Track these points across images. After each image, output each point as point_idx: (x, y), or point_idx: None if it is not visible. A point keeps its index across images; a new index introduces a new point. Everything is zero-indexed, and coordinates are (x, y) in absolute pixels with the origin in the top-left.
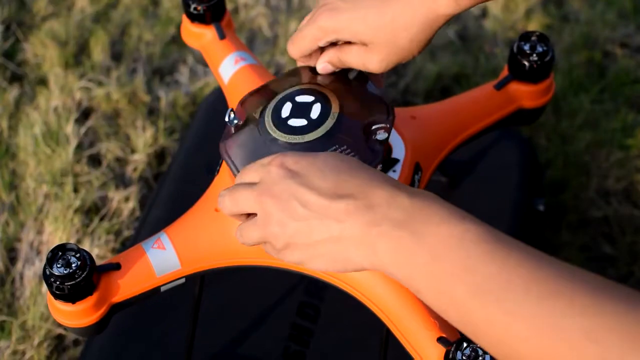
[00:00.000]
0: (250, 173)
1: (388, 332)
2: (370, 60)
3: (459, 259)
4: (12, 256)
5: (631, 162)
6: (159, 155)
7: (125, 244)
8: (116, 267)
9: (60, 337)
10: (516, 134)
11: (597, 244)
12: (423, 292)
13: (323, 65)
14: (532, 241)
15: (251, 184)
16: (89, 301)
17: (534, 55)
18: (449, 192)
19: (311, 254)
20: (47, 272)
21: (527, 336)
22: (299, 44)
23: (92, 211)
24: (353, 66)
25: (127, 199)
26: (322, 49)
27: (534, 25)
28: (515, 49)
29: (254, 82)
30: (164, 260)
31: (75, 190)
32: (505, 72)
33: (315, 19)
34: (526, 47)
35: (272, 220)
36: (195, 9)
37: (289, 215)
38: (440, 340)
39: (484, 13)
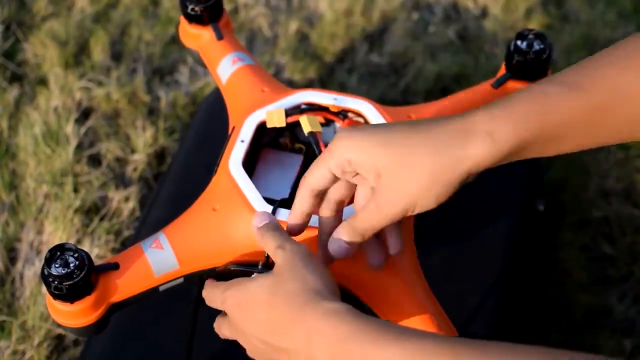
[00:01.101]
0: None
1: None
2: (386, 200)
3: None
4: (12, 256)
5: (631, 162)
6: (159, 155)
7: (125, 244)
8: (114, 267)
9: (60, 337)
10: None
11: (597, 244)
12: None
13: (336, 244)
14: (532, 241)
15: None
16: (88, 301)
17: (531, 53)
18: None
19: None
20: (46, 272)
21: None
22: (310, 177)
23: (92, 211)
24: (370, 225)
25: (127, 199)
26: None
27: (534, 25)
28: (512, 47)
29: (252, 83)
30: (162, 260)
31: (75, 190)
32: (502, 71)
33: (332, 145)
34: (523, 45)
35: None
36: (192, 9)
37: (245, 343)
38: None
39: (484, 13)
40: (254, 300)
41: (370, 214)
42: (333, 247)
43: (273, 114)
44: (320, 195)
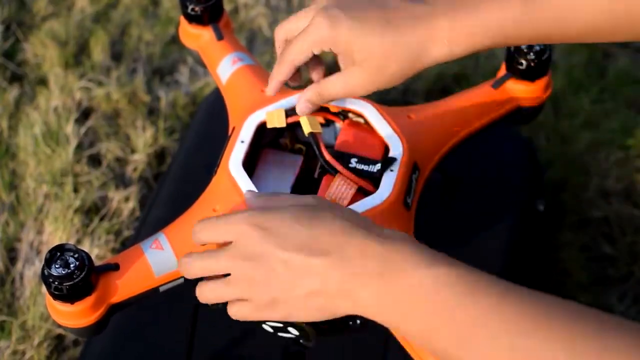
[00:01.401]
0: (219, 232)
1: (388, 333)
2: (355, 83)
3: (434, 304)
4: (12, 256)
5: (631, 162)
6: (159, 155)
7: (125, 244)
8: (114, 267)
9: (60, 337)
10: (516, 134)
11: (597, 244)
12: (409, 335)
13: (303, 105)
14: (532, 241)
15: (223, 246)
16: (88, 302)
17: (531, 53)
18: (449, 193)
19: (296, 308)
20: (46, 273)
21: None
22: (294, 49)
23: (92, 211)
24: (335, 97)
25: (127, 199)
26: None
27: None
28: (512, 48)
29: (252, 83)
30: (162, 260)
31: (75, 190)
32: (502, 71)
33: (314, 24)
34: (523, 46)
35: (249, 281)
36: (192, 9)
37: (268, 276)
38: None
39: None
40: (290, 217)
41: (339, 86)
42: (300, 106)
43: (273, 115)
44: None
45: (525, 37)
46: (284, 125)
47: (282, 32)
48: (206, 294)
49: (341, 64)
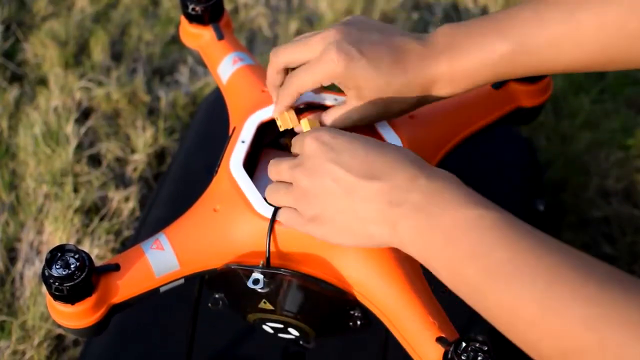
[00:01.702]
0: (295, 145)
1: (387, 333)
2: (359, 117)
3: (471, 243)
4: (12, 256)
5: (631, 162)
6: (159, 155)
7: (125, 244)
8: (115, 268)
9: (60, 337)
10: (516, 134)
11: (597, 244)
12: (439, 272)
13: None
14: None
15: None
16: (88, 302)
17: None
18: None
19: (336, 229)
20: (46, 274)
21: (533, 321)
22: (305, 80)
23: (92, 211)
24: (336, 123)
25: (127, 199)
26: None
27: None
28: None
29: (253, 83)
30: (163, 261)
31: (75, 190)
32: None
33: (329, 60)
34: None
35: (302, 192)
36: (193, 9)
37: (319, 190)
38: (439, 340)
39: (484, 13)
40: (352, 140)
41: (340, 117)
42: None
43: (286, 116)
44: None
45: (518, 73)
46: (297, 125)
47: (283, 58)
48: (269, 194)
49: (345, 91)
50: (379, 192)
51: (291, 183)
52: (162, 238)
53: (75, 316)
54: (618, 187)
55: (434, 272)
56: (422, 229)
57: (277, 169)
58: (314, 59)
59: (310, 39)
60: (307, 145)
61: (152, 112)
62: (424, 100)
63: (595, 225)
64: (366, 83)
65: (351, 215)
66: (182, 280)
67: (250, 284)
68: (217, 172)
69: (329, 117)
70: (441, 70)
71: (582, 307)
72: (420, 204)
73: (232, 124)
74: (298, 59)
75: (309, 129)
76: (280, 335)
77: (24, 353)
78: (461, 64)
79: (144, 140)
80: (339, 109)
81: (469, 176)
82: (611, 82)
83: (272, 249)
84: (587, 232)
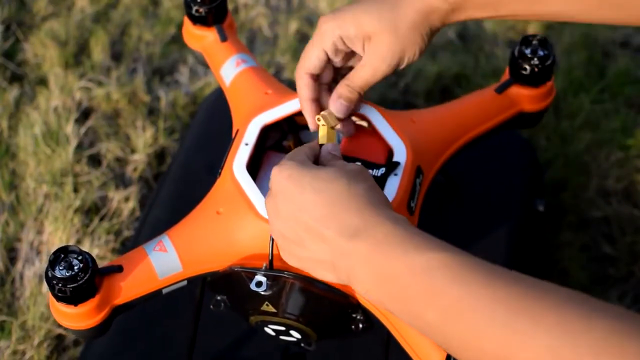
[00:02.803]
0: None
1: (389, 335)
2: (377, 57)
3: (424, 286)
4: (12, 256)
5: (631, 162)
6: (159, 155)
7: (125, 244)
8: (118, 269)
9: (60, 337)
10: (516, 135)
11: (597, 244)
12: (401, 318)
13: (338, 103)
14: (532, 242)
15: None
16: (91, 303)
17: (535, 59)
18: (450, 194)
19: (300, 262)
20: (50, 275)
21: (498, 355)
22: (306, 61)
23: (92, 211)
24: (364, 83)
25: (127, 199)
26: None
27: (533, 26)
28: (516, 53)
29: (256, 85)
30: (166, 262)
31: (75, 190)
32: (506, 76)
33: (316, 32)
34: (527, 51)
35: (273, 225)
36: (197, 11)
37: (282, 225)
38: None
39: None
40: (321, 178)
41: (365, 71)
42: (336, 106)
43: (326, 116)
44: (317, 81)
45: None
46: (337, 124)
47: (302, 69)
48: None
49: (357, 50)
50: (329, 240)
51: None
52: (166, 240)
53: (78, 317)
54: (618, 187)
55: (395, 314)
56: (373, 279)
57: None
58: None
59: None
60: (272, 177)
61: (152, 112)
62: (427, 20)
63: (595, 225)
64: (360, 22)
65: (309, 255)
66: (184, 282)
67: (253, 286)
68: (220, 173)
69: (356, 79)
70: None
71: (546, 338)
72: (366, 254)
73: (235, 126)
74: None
75: (324, 139)
76: (282, 337)
77: (24, 353)
78: None
79: (144, 140)
80: (356, 67)
81: (469, 177)
82: (611, 81)
83: (275, 251)
84: (587, 232)
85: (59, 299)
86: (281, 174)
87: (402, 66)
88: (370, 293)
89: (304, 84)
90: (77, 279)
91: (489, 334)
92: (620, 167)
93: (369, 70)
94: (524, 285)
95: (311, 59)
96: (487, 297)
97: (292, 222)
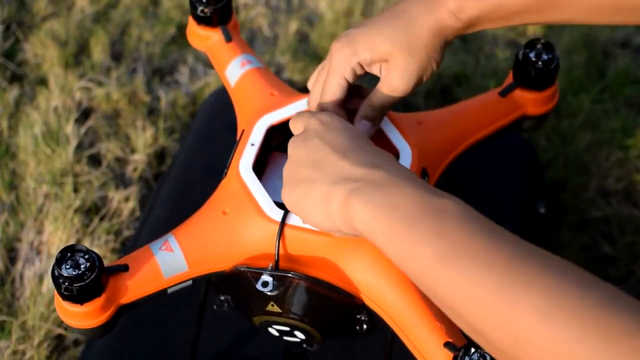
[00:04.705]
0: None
1: (393, 335)
2: (396, 78)
3: (431, 224)
4: (12, 256)
5: (631, 162)
6: (159, 155)
7: (125, 244)
8: (124, 268)
9: (60, 337)
10: (517, 136)
11: (597, 244)
12: (387, 249)
13: (362, 124)
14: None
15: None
16: (97, 302)
17: (539, 63)
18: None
19: (298, 197)
20: (56, 273)
21: (486, 306)
22: (329, 94)
23: (92, 211)
24: (386, 102)
25: (127, 199)
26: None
27: (533, 26)
28: (520, 57)
29: (262, 86)
30: (171, 262)
31: (75, 190)
32: (510, 79)
33: (332, 54)
34: (532, 55)
35: (294, 154)
36: (202, 11)
37: (302, 157)
38: (447, 345)
39: None
40: (350, 126)
41: (385, 92)
42: (359, 126)
43: None
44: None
45: (532, 18)
46: None
47: (328, 100)
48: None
49: (375, 72)
50: (342, 167)
51: None
52: (172, 239)
53: (83, 316)
54: (618, 187)
55: (382, 250)
56: (377, 204)
57: (292, 128)
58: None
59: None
60: (308, 118)
61: (152, 112)
62: (438, 31)
63: (595, 225)
64: (375, 45)
65: (309, 185)
66: (189, 282)
67: (259, 286)
68: (226, 174)
69: (377, 100)
70: (449, 4)
71: (537, 298)
72: (379, 182)
73: (241, 126)
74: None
75: None
76: (286, 338)
77: (24, 353)
78: None
79: (144, 140)
80: (376, 87)
81: (469, 178)
82: (611, 81)
83: (281, 251)
84: (587, 232)
85: (65, 297)
86: (320, 115)
87: (423, 82)
88: (366, 221)
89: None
90: (84, 277)
91: (483, 282)
92: (620, 167)
93: (388, 91)
94: (527, 248)
95: (333, 89)
96: (490, 249)
97: (313, 152)
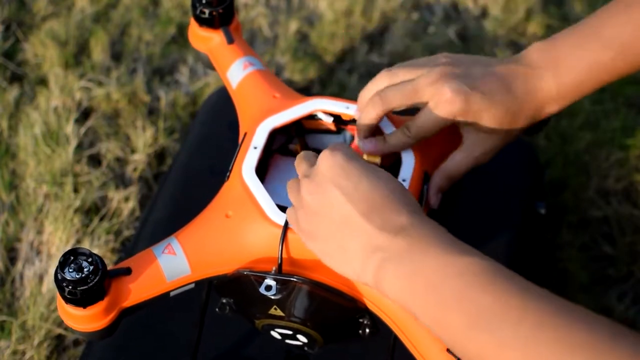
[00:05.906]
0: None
1: (395, 339)
2: (480, 152)
3: (456, 289)
4: (12, 256)
5: (631, 162)
6: (159, 155)
7: (125, 244)
8: (127, 272)
9: (60, 337)
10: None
11: (597, 244)
12: (420, 317)
13: (436, 198)
14: (533, 245)
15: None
16: (100, 306)
17: None
18: (451, 197)
19: (324, 251)
20: (59, 277)
21: None
22: (426, 125)
23: (92, 211)
24: (462, 174)
25: (127, 199)
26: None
27: (534, 26)
28: None
29: (264, 89)
30: (174, 265)
31: (75, 190)
32: None
33: (444, 100)
34: None
35: (304, 203)
36: (203, 12)
37: (317, 208)
38: (449, 350)
39: (484, 13)
40: (377, 174)
41: (464, 162)
42: (434, 200)
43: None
44: None
45: (618, 77)
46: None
47: (394, 103)
48: (289, 185)
49: (462, 129)
50: (367, 233)
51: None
52: (174, 243)
53: (86, 319)
54: (618, 187)
55: (417, 318)
56: (403, 273)
57: (298, 166)
58: (430, 104)
59: (418, 83)
60: (321, 159)
61: (152, 112)
62: (537, 118)
63: (595, 225)
64: (483, 116)
65: (338, 245)
66: (192, 285)
67: (262, 290)
68: (228, 177)
69: (450, 171)
70: (548, 88)
71: (567, 356)
72: (404, 250)
73: (243, 129)
74: (407, 105)
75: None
76: (288, 341)
77: (24, 353)
78: (569, 79)
79: (144, 140)
80: (457, 157)
81: (470, 179)
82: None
83: (284, 255)
84: (587, 232)
85: (68, 301)
86: (335, 157)
87: (498, 148)
88: (396, 290)
89: (378, 117)
90: (88, 281)
91: (511, 343)
92: (620, 167)
93: (468, 162)
94: (554, 302)
95: (430, 127)
96: (516, 307)
97: (335, 207)
